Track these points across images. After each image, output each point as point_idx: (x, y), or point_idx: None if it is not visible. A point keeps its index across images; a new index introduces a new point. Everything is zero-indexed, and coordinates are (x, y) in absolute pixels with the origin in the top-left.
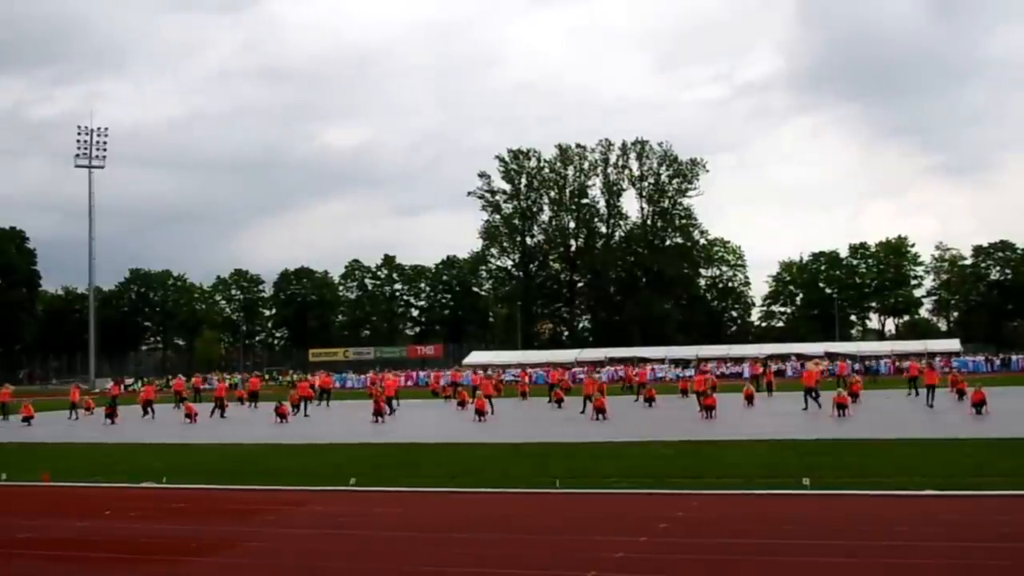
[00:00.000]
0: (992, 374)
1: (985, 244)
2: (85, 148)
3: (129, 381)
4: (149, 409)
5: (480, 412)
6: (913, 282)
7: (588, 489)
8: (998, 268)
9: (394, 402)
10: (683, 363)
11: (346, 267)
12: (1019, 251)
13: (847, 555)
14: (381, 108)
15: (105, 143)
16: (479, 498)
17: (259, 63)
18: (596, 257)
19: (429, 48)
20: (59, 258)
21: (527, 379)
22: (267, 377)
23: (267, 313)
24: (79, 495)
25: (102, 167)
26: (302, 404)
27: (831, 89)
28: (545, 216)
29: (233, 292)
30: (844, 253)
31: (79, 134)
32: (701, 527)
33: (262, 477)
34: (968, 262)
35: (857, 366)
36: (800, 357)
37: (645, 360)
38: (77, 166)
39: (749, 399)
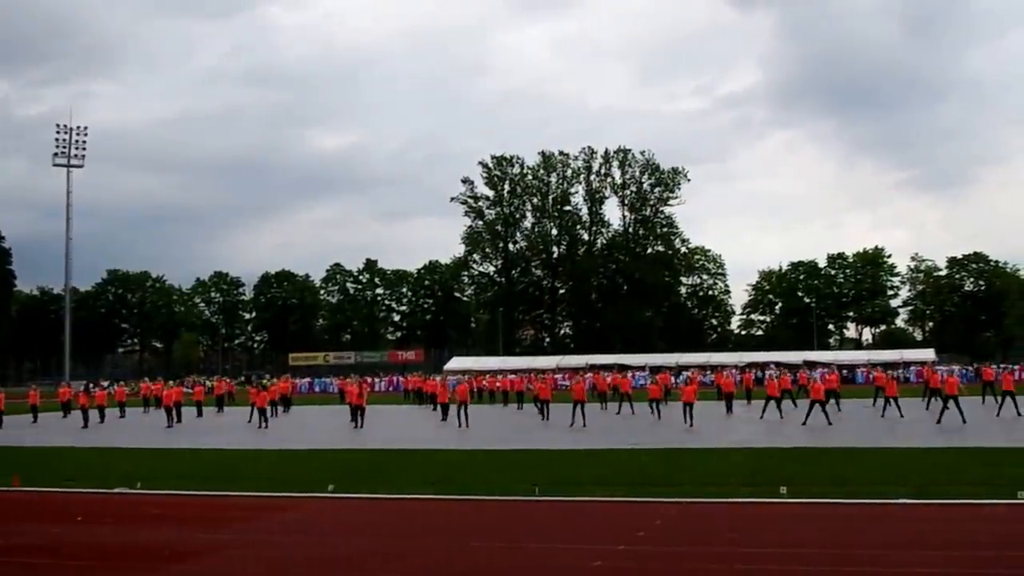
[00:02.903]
0: (966, 384)
1: (959, 256)
2: (64, 147)
3: (105, 383)
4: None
5: (462, 409)
6: (889, 292)
7: (567, 497)
8: (972, 279)
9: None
10: (664, 370)
11: (327, 271)
12: (992, 263)
13: (824, 564)
14: (368, 113)
15: (85, 143)
16: (458, 506)
17: (247, 67)
18: (578, 264)
19: (417, 55)
20: (35, 258)
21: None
22: (247, 379)
23: (247, 316)
24: (50, 500)
25: (81, 166)
26: (266, 409)
27: (809, 103)
28: (528, 223)
29: (213, 295)
30: (822, 263)
31: (58, 133)
32: (679, 535)
33: (239, 483)
34: (943, 273)
35: (819, 372)
36: (779, 365)
37: (625, 367)
38: (55, 165)
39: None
